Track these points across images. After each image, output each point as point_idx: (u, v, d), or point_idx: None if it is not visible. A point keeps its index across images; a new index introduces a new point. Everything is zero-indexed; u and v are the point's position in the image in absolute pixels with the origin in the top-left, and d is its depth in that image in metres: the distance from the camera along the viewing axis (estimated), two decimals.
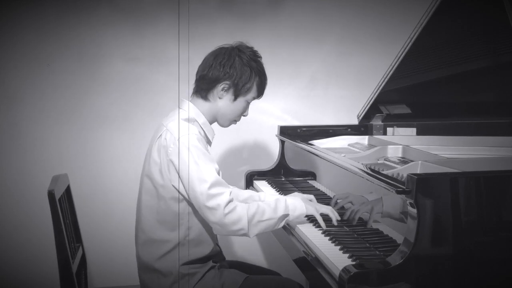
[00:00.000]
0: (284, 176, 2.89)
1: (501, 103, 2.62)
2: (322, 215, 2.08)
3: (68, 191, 2.25)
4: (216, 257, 2.15)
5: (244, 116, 2.23)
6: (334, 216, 2.08)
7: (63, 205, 2.08)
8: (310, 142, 2.71)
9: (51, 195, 1.94)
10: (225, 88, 2.12)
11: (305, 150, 2.60)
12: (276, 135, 2.97)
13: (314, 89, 3.37)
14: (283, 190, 2.63)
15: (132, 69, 3.18)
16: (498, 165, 2.02)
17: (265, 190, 2.68)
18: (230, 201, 1.99)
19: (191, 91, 2.20)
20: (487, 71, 2.59)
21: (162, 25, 3.18)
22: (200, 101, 2.16)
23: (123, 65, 3.17)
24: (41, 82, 3.14)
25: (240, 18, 3.25)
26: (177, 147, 2.00)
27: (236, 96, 2.14)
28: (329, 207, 2.12)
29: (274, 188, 2.71)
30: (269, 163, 2.99)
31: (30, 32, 3.10)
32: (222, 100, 2.14)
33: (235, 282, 2.07)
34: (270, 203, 2.06)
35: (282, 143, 2.93)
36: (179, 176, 2.00)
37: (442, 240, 1.60)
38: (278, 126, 2.96)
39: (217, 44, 2.14)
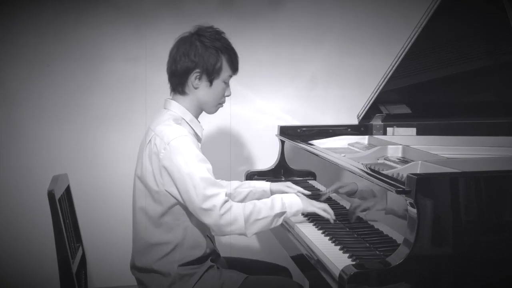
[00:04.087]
0: (284, 176, 2.89)
1: (501, 103, 2.62)
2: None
3: (68, 191, 2.25)
4: (212, 255, 2.14)
5: (227, 96, 2.16)
6: (328, 214, 2.11)
7: (63, 205, 2.08)
8: (310, 142, 2.71)
9: (51, 195, 1.94)
10: (198, 77, 2.07)
11: (305, 150, 2.60)
12: (276, 135, 2.97)
13: (314, 89, 3.37)
14: None
15: (132, 69, 3.18)
16: (498, 165, 2.02)
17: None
18: (226, 201, 1.98)
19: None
20: (487, 71, 2.58)
21: (162, 25, 3.18)
22: (180, 97, 2.12)
23: (123, 65, 3.17)
24: (41, 82, 3.14)
25: (240, 18, 3.25)
26: (169, 152, 1.97)
27: (211, 81, 2.09)
28: (325, 204, 2.14)
29: None
30: (269, 163, 2.99)
31: (30, 32, 3.10)
32: (199, 90, 2.09)
33: (235, 282, 2.07)
34: (266, 201, 2.06)
35: (282, 143, 2.93)
36: (173, 181, 1.98)
37: (442, 240, 1.60)
38: (278, 126, 2.96)
39: None
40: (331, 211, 2.11)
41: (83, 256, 2.30)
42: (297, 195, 2.15)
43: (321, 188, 2.52)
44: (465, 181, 1.64)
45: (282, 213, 2.05)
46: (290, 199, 2.09)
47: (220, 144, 3.31)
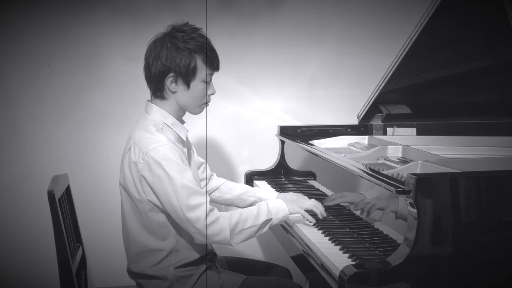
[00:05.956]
0: (284, 176, 2.89)
1: (501, 103, 2.62)
2: (306, 210, 2.09)
3: (68, 191, 2.25)
4: (209, 254, 2.12)
5: (211, 95, 2.06)
6: (319, 210, 2.09)
7: (63, 205, 2.08)
8: (310, 142, 2.71)
9: (51, 195, 1.94)
10: (173, 81, 1.99)
11: (305, 150, 2.60)
12: (276, 135, 2.97)
13: (314, 89, 3.37)
14: (283, 190, 2.62)
15: (132, 69, 3.17)
16: (498, 165, 2.02)
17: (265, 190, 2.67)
18: (211, 210, 1.94)
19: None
20: (487, 71, 2.58)
21: (162, 25, 3.16)
22: (160, 102, 2.04)
23: (123, 65, 3.16)
24: (41, 82, 3.14)
25: (240, 18, 3.25)
26: (147, 163, 1.92)
27: (188, 83, 2.00)
28: (313, 202, 2.11)
29: (274, 188, 2.70)
30: (269, 163, 2.99)
31: (30, 32, 3.10)
32: (177, 93, 2.01)
33: (234, 284, 2.06)
34: (252, 209, 2.03)
35: (282, 143, 2.93)
36: (154, 192, 1.94)
37: (442, 240, 1.60)
38: (278, 126, 2.96)
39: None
40: (319, 210, 2.09)
41: (83, 256, 2.30)
42: (282, 199, 2.12)
43: (321, 188, 2.52)
44: (465, 181, 1.64)
45: (268, 220, 2.02)
46: (276, 205, 2.06)
47: (220, 144, 3.31)
